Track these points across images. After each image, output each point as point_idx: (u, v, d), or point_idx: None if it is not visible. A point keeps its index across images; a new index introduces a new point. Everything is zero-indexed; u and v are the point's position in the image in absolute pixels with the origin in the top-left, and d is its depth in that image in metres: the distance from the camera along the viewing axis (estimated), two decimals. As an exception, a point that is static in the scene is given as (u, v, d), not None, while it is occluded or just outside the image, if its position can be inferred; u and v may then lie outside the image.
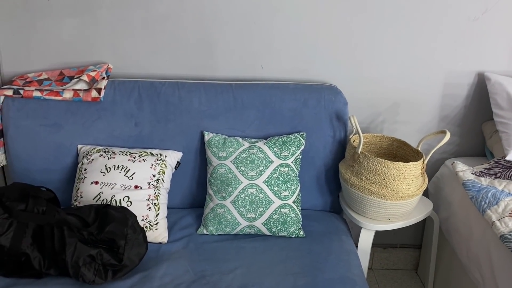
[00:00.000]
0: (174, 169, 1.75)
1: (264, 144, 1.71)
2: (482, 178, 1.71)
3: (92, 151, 1.71)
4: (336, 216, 1.82)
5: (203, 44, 1.85)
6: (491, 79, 1.83)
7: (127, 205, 1.59)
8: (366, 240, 1.71)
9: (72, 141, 1.76)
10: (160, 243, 1.61)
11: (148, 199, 1.62)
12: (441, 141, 1.61)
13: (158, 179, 1.66)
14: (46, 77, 1.79)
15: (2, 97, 1.73)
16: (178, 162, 1.76)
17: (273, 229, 1.65)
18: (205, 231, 1.67)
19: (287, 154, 1.69)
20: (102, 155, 1.69)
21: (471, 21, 1.82)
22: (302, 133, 1.75)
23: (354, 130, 1.71)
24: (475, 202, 1.61)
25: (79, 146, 1.76)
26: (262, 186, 1.64)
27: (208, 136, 1.75)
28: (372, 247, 1.75)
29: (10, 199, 1.44)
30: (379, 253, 2.25)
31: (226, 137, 1.75)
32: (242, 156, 1.68)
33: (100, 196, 1.61)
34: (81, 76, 1.73)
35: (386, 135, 1.81)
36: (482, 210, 1.57)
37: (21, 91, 1.72)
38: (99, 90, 1.72)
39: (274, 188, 1.65)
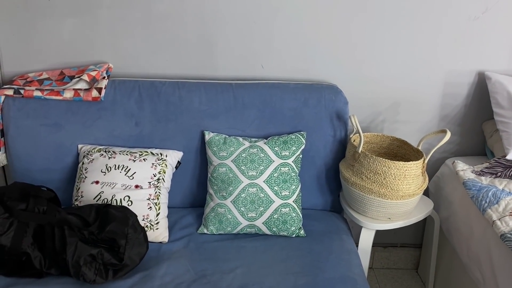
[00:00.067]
0: (174, 169, 1.75)
1: (265, 143, 1.71)
2: (483, 177, 1.71)
3: (93, 151, 1.71)
4: (337, 216, 1.82)
5: (204, 43, 1.85)
6: (492, 78, 1.83)
7: (128, 205, 1.59)
8: (366, 239, 1.71)
9: (72, 140, 1.76)
10: (160, 242, 1.61)
11: (148, 199, 1.62)
12: (441, 140, 1.61)
13: (158, 179, 1.66)
14: (46, 77, 1.79)
15: (3, 97, 1.73)
16: (178, 161, 1.76)
17: (273, 229, 1.65)
18: (205, 231, 1.67)
19: (287, 153, 1.69)
20: (102, 154, 1.69)
21: (472, 20, 1.82)
22: (302, 133, 1.75)
23: (355, 130, 1.71)
24: (476, 201, 1.61)
25: (79, 146, 1.76)
26: (263, 186, 1.64)
27: (208, 135, 1.75)
28: (372, 246, 1.75)
29: (11, 199, 1.44)
30: (379, 253, 2.25)
31: (227, 136, 1.75)
32: (242, 155, 1.68)
33: (100, 196, 1.61)
34: (81, 75, 1.73)
35: (387, 135, 1.81)
36: (482, 209, 1.57)
37: (22, 91, 1.72)
38: (99, 90, 1.72)
39: (275, 187, 1.65)
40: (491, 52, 1.87)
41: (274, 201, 1.64)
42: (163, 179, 1.68)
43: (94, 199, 1.61)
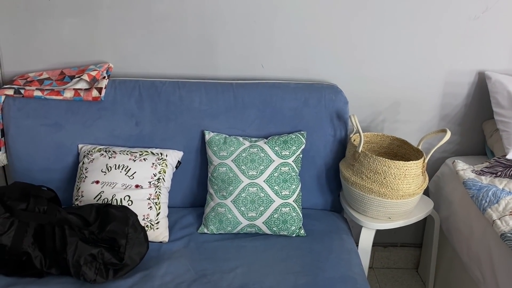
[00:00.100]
0: (174, 168, 1.76)
1: (265, 143, 1.71)
2: (483, 177, 1.71)
3: (93, 151, 1.71)
4: (337, 215, 1.82)
5: (204, 43, 1.85)
6: (492, 78, 1.83)
7: (128, 204, 1.59)
8: (366, 239, 1.71)
9: (73, 140, 1.76)
10: (161, 242, 1.61)
11: (149, 198, 1.63)
12: (441, 140, 1.61)
13: (159, 178, 1.67)
14: (46, 77, 1.79)
15: (3, 97, 1.73)
16: (178, 161, 1.76)
17: (273, 228, 1.65)
18: (206, 230, 1.67)
19: (287, 153, 1.69)
20: (103, 154, 1.69)
21: (472, 20, 1.82)
22: (302, 132, 1.75)
23: (355, 129, 1.71)
24: (476, 201, 1.61)
25: (80, 146, 1.76)
26: (263, 185, 1.65)
27: (208, 135, 1.75)
28: (372, 246, 1.75)
29: (11, 199, 1.44)
30: (379, 252, 2.25)
31: (227, 136, 1.75)
32: (242, 155, 1.68)
33: (101, 196, 1.61)
34: (81, 75, 1.73)
35: (387, 134, 1.81)
36: (482, 209, 1.57)
37: (22, 91, 1.72)
38: (99, 90, 1.72)
39: (275, 187, 1.65)
40: (491, 51, 1.87)
41: (274, 201, 1.64)
42: (163, 178, 1.68)
43: (94, 198, 1.61)
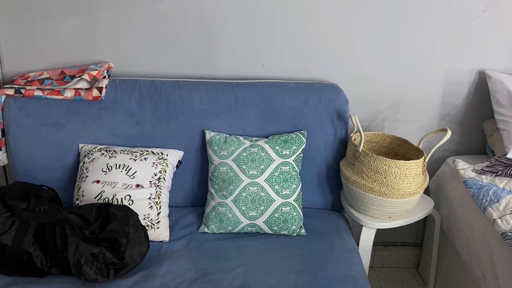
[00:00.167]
0: (175, 168, 1.76)
1: (265, 142, 1.72)
2: (483, 176, 1.71)
3: (94, 150, 1.71)
4: (337, 215, 1.82)
5: (204, 43, 1.85)
6: (492, 77, 1.83)
7: (129, 204, 1.60)
8: (367, 238, 1.71)
9: (73, 140, 1.76)
10: (161, 241, 1.61)
11: (149, 198, 1.63)
12: (442, 139, 1.61)
13: (159, 178, 1.67)
14: (47, 76, 1.79)
15: (4, 97, 1.73)
16: (179, 161, 1.76)
17: (274, 228, 1.65)
18: (206, 230, 1.67)
19: (288, 152, 1.69)
20: (103, 154, 1.69)
21: (472, 19, 1.82)
22: (303, 132, 1.75)
23: (355, 129, 1.71)
24: (476, 200, 1.61)
25: (80, 145, 1.76)
26: (263, 185, 1.65)
27: (209, 134, 1.75)
28: (373, 245, 1.75)
29: (12, 198, 1.44)
30: (380, 251, 2.25)
31: (227, 135, 1.75)
32: (243, 154, 1.68)
33: (101, 195, 1.61)
34: (82, 75, 1.73)
35: (387, 134, 1.81)
36: (483, 208, 1.57)
37: (23, 91, 1.72)
38: (100, 89, 1.72)
39: (275, 186, 1.65)
40: (492, 51, 1.87)
41: (274, 200, 1.64)
42: (164, 178, 1.68)
43: (95, 198, 1.61)
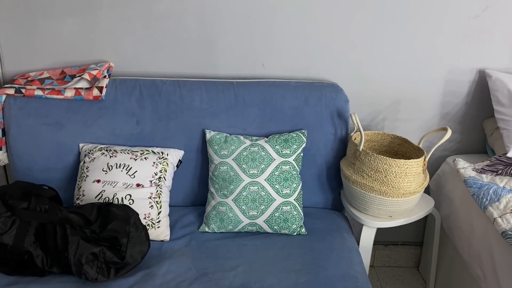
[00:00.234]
0: (175, 167, 1.76)
1: (266, 142, 1.72)
2: (484, 175, 1.71)
3: (94, 150, 1.71)
4: (338, 214, 1.82)
5: (204, 42, 1.85)
6: (492, 76, 1.83)
7: (129, 203, 1.60)
8: (367, 237, 1.71)
9: (73, 139, 1.76)
10: (162, 241, 1.61)
11: (150, 197, 1.63)
12: (442, 138, 1.61)
13: (160, 177, 1.67)
14: (47, 76, 1.79)
15: (4, 96, 1.73)
16: (179, 160, 1.76)
17: (274, 227, 1.65)
18: (207, 229, 1.67)
19: (288, 152, 1.69)
20: (104, 153, 1.69)
21: (472, 19, 1.82)
22: (303, 131, 1.75)
23: (355, 128, 1.71)
24: (477, 199, 1.61)
25: (81, 145, 1.76)
26: (264, 184, 1.65)
27: (209, 134, 1.75)
28: (373, 244, 1.75)
29: (12, 198, 1.45)
30: (380, 251, 2.25)
31: (228, 135, 1.75)
32: (243, 154, 1.68)
33: (102, 195, 1.61)
34: (82, 74, 1.73)
35: (387, 133, 1.81)
36: (483, 207, 1.57)
37: (23, 90, 1.72)
38: (100, 89, 1.73)
39: (276, 185, 1.65)
40: (492, 50, 1.87)
41: (275, 200, 1.64)
42: (164, 177, 1.68)
43: (95, 198, 1.61)
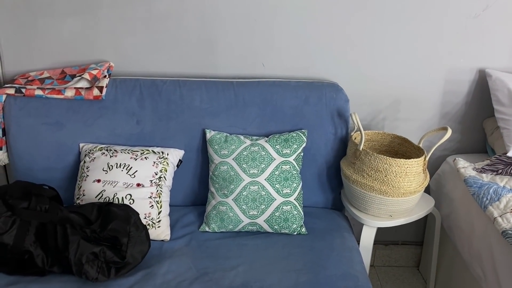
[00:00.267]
0: (176, 167, 1.76)
1: (266, 141, 1.72)
2: (484, 175, 1.71)
3: (94, 149, 1.71)
4: (338, 213, 1.82)
5: (204, 42, 1.85)
6: (492, 75, 1.83)
7: (130, 203, 1.60)
8: (368, 237, 1.71)
9: (74, 139, 1.76)
10: (162, 240, 1.62)
11: (150, 197, 1.63)
12: (442, 138, 1.61)
13: (160, 177, 1.67)
14: (47, 76, 1.79)
15: (4, 96, 1.73)
16: (180, 160, 1.77)
17: (275, 226, 1.65)
18: (207, 229, 1.67)
19: (288, 151, 1.69)
20: (104, 153, 1.69)
21: (472, 18, 1.82)
22: (303, 131, 1.75)
23: (356, 127, 1.71)
24: (477, 199, 1.61)
25: (81, 145, 1.76)
26: (264, 184, 1.65)
27: (209, 134, 1.75)
28: (374, 244, 1.75)
29: (13, 197, 1.45)
30: (380, 250, 2.25)
31: (228, 134, 1.75)
32: (243, 153, 1.68)
33: (102, 194, 1.61)
34: (82, 74, 1.73)
35: (388, 132, 1.81)
36: (483, 206, 1.57)
37: (23, 90, 1.72)
38: (100, 89, 1.73)
39: (276, 185, 1.65)
40: (492, 49, 1.87)
41: (275, 199, 1.64)
42: (164, 177, 1.68)
43: (95, 197, 1.61)
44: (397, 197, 1.59)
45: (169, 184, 1.71)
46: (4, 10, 1.77)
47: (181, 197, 1.81)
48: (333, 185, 1.84)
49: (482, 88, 1.93)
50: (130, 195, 1.61)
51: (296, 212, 1.66)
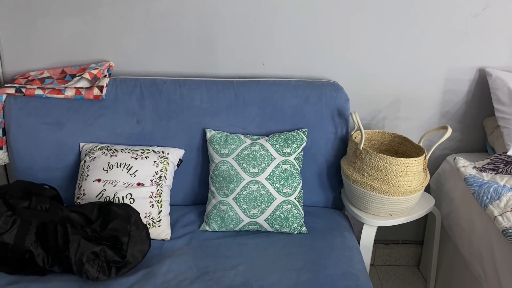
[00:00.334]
0: (176, 167, 1.76)
1: (266, 141, 1.72)
2: (484, 174, 1.71)
3: (95, 149, 1.71)
4: (338, 213, 1.82)
5: (204, 41, 1.85)
6: (492, 74, 1.83)
7: (130, 203, 1.60)
8: (368, 236, 1.71)
9: (74, 139, 1.76)
10: (163, 240, 1.62)
11: (150, 196, 1.63)
12: (442, 137, 1.61)
13: (160, 177, 1.67)
14: (48, 76, 1.79)
15: (4, 96, 1.73)
16: (180, 159, 1.77)
17: (275, 226, 1.65)
18: (207, 228, 1.67)
19: (289, 150, 1.70)
20: (104, 152, 1.69)
21: (472, 17, 1.82)
22: (303, 130, 1.75)
23: (356, 127, 1.71)
24: (477, 197, 1.61)
25: (81, 144, 1.76)
26: (264, 183, 1.65)
27: (210, 133, 1.75)
28: (374, 243, 1.75)
29: (13, 197, 1.45)
30: (381, 249, 2.25)
31: (228, 134, 1.76)
32: (244, 153, 1.69)
33: (102, 194, 1.61)
34: (83, 74, 1.73)
35: (388, 131, 1.81)
36: (484, 205, 1.57)
37: (23, 90, 1.72)
38: (101, 88, 1.73)
39: (276, 184, 1.65)
40: (492, 48, 1.87)
41: (275, 198, 1.64)
42: (165, 176, 1.68)
43: (96, 197, 1.61)
44: (398, 196, 1.59)
45: (170, 183, 1.72)
46: (4, 10, 1.77)
47: (182, 196, 1.81)
48: (333, 184, 1.84)
49: (482, 87, 1.93)
50: (131, 195, 1.61)
51: (296, 211, 1.66)
